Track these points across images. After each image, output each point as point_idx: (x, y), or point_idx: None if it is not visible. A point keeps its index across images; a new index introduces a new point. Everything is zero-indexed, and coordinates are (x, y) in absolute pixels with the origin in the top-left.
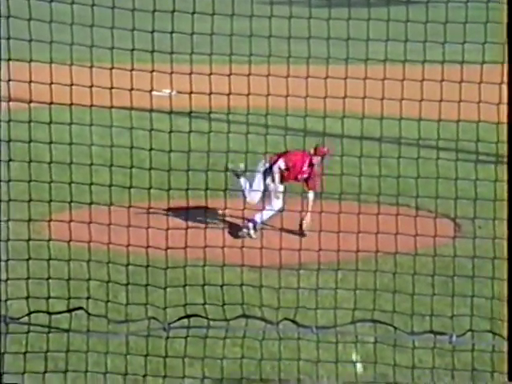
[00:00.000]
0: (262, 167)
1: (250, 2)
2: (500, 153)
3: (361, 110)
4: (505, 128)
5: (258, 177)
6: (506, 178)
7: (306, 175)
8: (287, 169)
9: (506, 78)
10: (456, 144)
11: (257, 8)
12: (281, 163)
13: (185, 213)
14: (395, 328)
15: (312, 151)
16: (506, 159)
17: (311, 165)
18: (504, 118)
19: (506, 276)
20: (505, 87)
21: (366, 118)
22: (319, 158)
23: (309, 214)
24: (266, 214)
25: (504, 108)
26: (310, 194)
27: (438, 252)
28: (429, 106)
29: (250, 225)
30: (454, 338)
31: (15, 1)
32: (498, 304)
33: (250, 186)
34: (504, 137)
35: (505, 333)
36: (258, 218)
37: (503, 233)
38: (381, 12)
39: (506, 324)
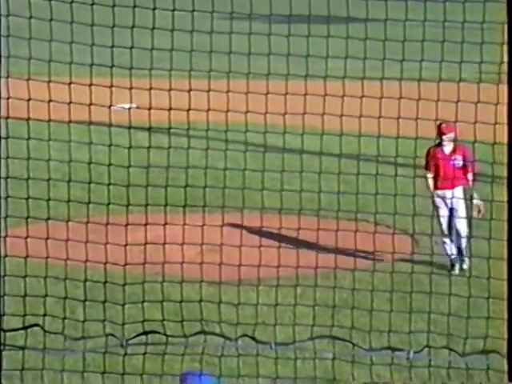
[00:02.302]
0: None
1: (210, 17)
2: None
3: (320, 126)
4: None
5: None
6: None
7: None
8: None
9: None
10: (414, 160)
11: (217, 24)
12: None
13: (144, 228)
14: (353, 344)
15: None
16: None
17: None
18: (462, 136)
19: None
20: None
21: (326, 134)
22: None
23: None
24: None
25: (462, 126)
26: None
27: (396, 268)
28: (387, 123)
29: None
30: (411, 355)
31: None
32: (454, 320)
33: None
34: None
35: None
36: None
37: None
38: (340, 29)
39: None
